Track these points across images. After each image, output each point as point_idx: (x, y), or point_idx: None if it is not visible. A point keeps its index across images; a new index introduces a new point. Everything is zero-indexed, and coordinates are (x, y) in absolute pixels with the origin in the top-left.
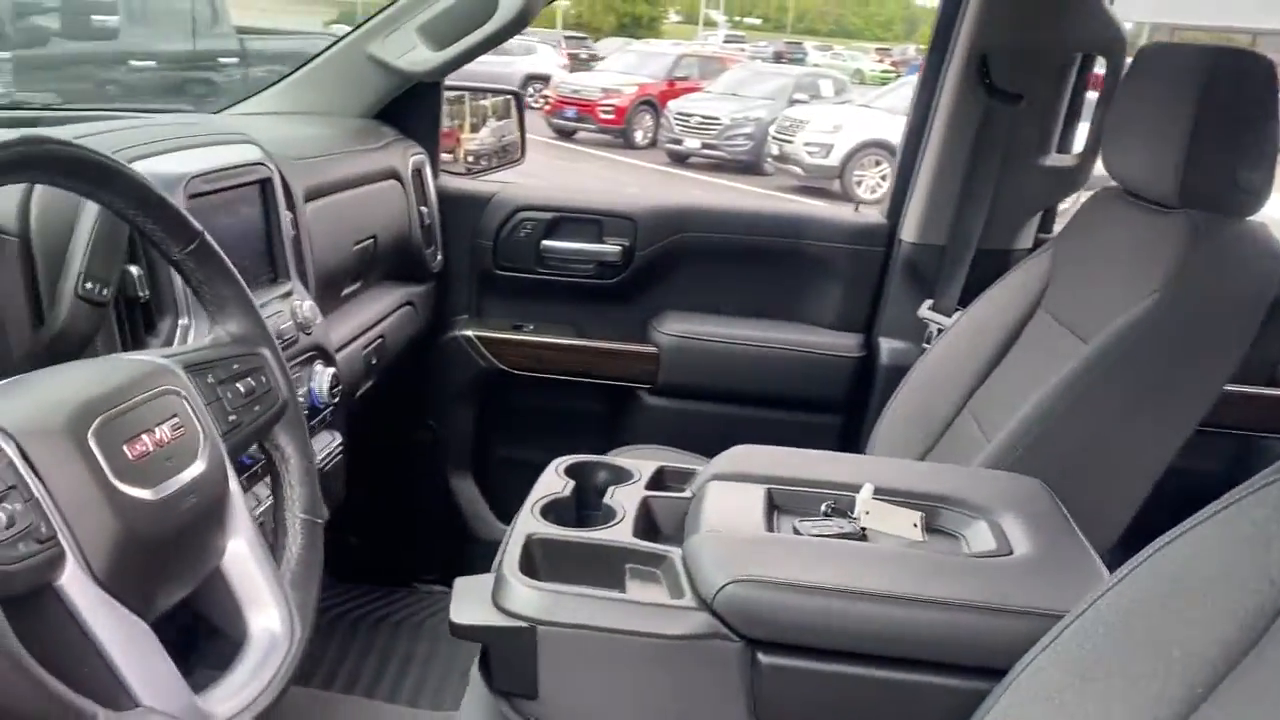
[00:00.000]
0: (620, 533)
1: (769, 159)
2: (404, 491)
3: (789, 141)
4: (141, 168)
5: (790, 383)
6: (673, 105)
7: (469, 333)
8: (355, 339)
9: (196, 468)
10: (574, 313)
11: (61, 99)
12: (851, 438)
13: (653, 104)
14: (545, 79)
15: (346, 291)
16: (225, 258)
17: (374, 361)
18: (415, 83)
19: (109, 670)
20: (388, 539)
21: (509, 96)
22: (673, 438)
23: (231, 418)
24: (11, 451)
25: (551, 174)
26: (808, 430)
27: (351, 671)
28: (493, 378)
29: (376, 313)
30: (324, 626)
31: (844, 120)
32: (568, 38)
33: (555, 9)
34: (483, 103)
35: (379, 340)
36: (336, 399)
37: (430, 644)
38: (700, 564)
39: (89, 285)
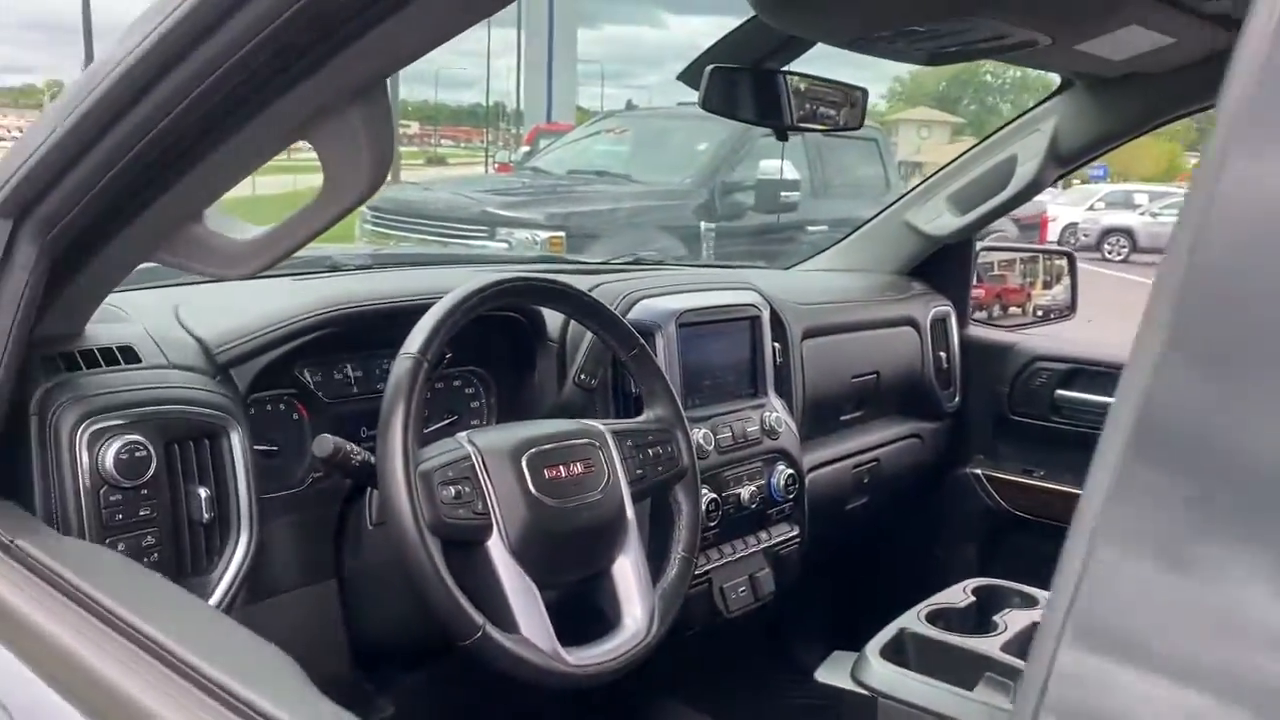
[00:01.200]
0: (990, 644)
1: None
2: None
3: None
4: (645, 304)
5: None
6: None
7: (980, 471)
8: (847, 458)
9: (593, 496)
10: (1087, 464)
11: (739, 258)
12: None
13: None
14: None
15: (846, 417)
16: (658, 363)
17: (865, 481)
18: (945, 244)
19: (506, 607)
20: None
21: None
22: None
23: (639, 472)
24: (475, 459)
25: None
26: None
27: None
28: (999, 519)
29: (876, 439)
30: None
31: None
32: None
33: None
34: (1058, 262)
35: (873, 463)
36: (792, 496)
37: None
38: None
39: (582, 376)
